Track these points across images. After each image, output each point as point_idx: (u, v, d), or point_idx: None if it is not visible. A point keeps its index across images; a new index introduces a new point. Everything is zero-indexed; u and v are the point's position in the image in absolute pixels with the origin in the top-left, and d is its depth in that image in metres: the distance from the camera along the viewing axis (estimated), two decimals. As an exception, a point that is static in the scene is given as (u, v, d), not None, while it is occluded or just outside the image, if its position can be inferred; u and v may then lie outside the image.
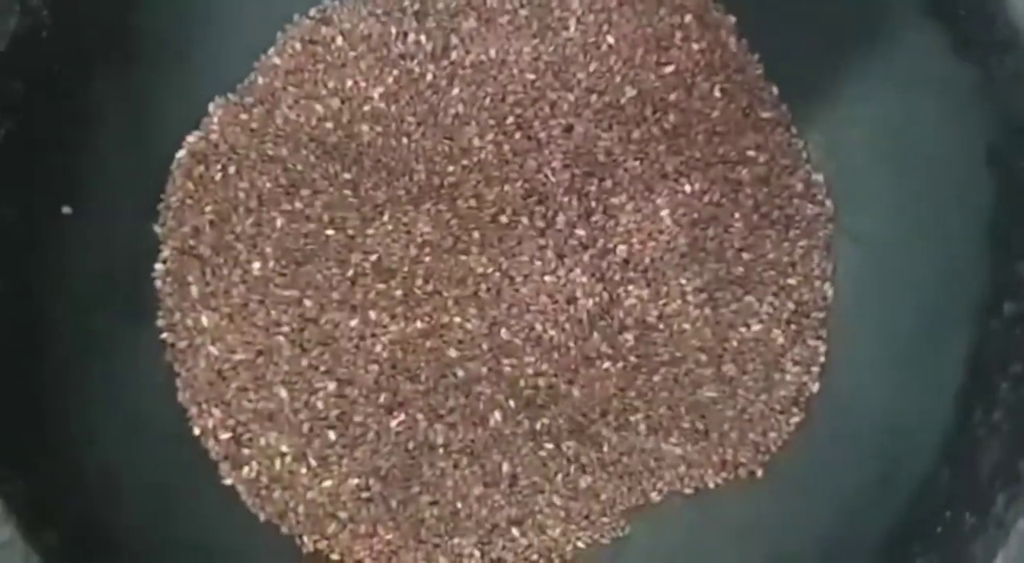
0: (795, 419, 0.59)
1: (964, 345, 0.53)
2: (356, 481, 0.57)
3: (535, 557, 0.58)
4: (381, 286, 0.58)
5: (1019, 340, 0.51)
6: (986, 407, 0.51)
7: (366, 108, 0.60)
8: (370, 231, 0.59)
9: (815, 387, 0.59)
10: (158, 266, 0.59)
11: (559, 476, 0.58)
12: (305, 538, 0.58)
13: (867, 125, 0.58)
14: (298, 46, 0.61)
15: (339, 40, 0.60)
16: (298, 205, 0.59)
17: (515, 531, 0.58)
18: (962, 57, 0.53)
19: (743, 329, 0.59)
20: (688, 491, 0.58)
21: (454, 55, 0.60)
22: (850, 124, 0.59)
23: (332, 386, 0.58)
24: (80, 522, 0.51)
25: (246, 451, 0.58)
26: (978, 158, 0.53)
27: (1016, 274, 0.51)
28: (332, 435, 0.57)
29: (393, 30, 0.60)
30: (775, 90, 0.61)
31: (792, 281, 0.59)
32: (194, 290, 0.58)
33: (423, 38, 0.60)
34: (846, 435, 0.57)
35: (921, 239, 0.56)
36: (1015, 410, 0.50)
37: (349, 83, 0.60)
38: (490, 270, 0.59)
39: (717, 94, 0.60)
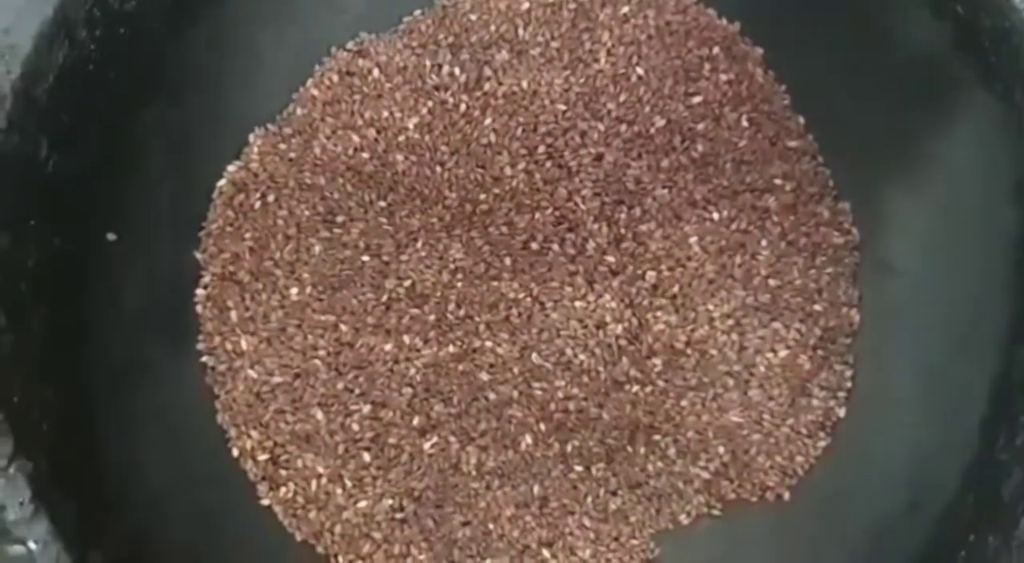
0: (822, 443, 0.59)
1: (989, 372, 0.54)
2: (390, 502, 0.58)
3: (565, 579, 0.59)
4: (415, 311, 0.59)
5: (1043, 368, 0.51)
6: (1009, 433, 0.52)
7: (401, 138, 0.61)
8: (404, 257, 0.60)
9: (842, 412, 0.59)
10: (199, 291, 0.60)
11: (589, 498, 0.58)
12: (340, 558, 0.58)
13: (895, 156, 0.59)
14: (335, 78, 0.62)
15: (375, 72, 0.62)
16: (335, 232, 0.60)
17: (546, 552, 0.58)
18: (988, 90, 0.54)
19: (770, 355, 0.59)
20: (716, 514, 0.59)
21: (487, 86, 0.61)
22: (877, 155, 0.59)
23: (367, 409, 0.59)
24: (124, 543, 0.52)
25: (283, 472, 0.59)
26: (1005, 191, 0.54)
27: (1041, 303, 0.52)
28: (367, 457, 0.58)
29: (428, 62, 0.62)
30: (802, 120, 0.61)
31: (818, 307, 0.60)
32: (234, 315, 0.60)
33: (457, 70, 0.61)
34: (873, 460, 0.58)
35: (949, 269, 0.57)
36: (1038, 436, 0.50)
37: (385, 114, 0.61)
38: (521, 295, 0.60)
39: (744, 124, 0.61)
